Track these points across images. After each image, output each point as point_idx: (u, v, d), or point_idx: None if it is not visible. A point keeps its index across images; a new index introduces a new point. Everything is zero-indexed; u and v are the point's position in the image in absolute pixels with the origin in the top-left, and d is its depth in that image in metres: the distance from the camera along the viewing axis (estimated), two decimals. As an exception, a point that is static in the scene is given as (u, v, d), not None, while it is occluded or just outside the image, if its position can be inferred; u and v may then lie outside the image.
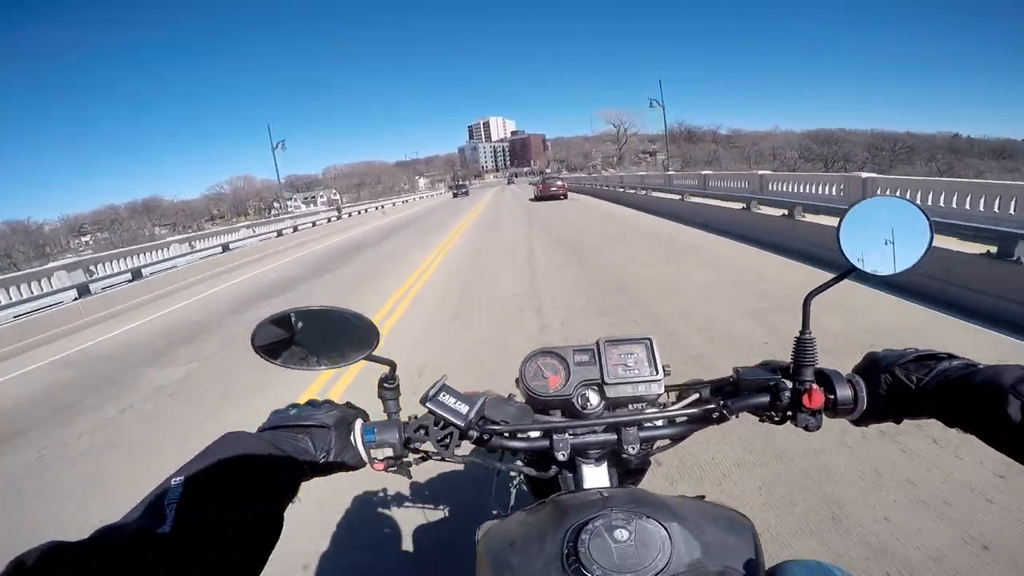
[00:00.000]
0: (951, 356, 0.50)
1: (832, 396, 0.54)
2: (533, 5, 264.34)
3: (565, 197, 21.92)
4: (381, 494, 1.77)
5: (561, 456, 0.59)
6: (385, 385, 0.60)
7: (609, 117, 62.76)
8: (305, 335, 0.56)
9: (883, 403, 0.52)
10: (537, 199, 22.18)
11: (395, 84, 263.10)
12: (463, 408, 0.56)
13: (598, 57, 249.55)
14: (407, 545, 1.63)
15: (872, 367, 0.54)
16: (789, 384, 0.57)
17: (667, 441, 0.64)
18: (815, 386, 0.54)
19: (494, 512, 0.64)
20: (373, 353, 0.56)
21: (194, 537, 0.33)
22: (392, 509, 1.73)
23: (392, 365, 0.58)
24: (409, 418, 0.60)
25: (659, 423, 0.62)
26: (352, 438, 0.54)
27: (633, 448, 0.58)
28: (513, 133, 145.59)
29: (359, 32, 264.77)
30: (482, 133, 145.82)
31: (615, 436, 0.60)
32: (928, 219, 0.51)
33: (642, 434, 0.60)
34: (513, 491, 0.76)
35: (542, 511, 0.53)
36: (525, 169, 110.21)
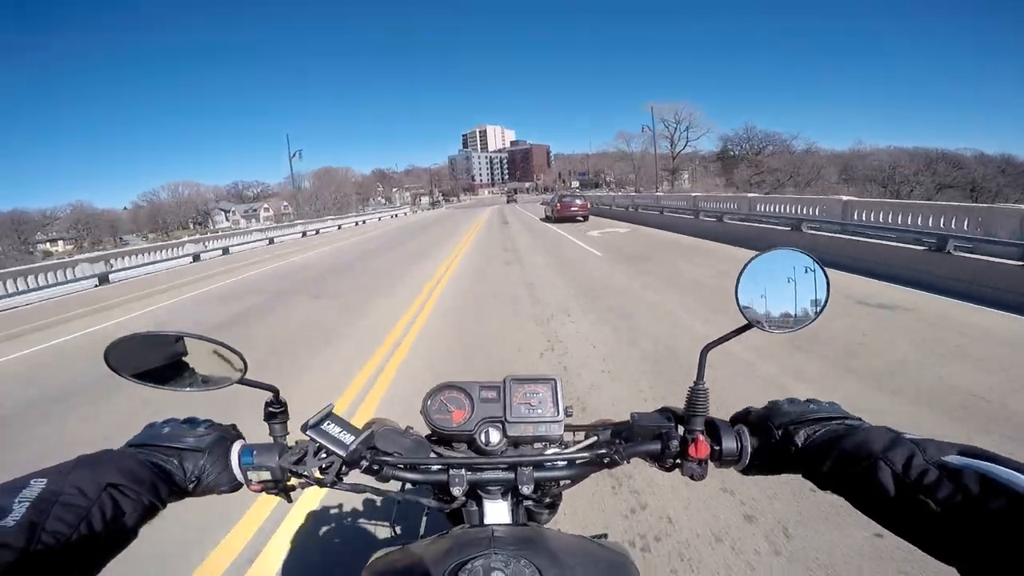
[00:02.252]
0: (845, 416, 0.55)
1: (718, 447, 0.60)
2: (539, 6, 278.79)
3: (585, 219, 20.38)
4: (318, 506, 2.08)
5: (457, 492, 0.64)
6: (271, 409, 0.65)
7: (660, 111, 46.44)
8: (172, 356, 0.62)
9: (767, 457, 0.57)
10: (554, 220, 20.88)
11: (381, 86, 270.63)
12: (347, 438, 0.62)
13: (614, 64, 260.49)
14: (322, 559, 1.88)
15: (768, 421, 0.58)
16: (679, 432, 0.63)
17: (567, 481, 0.70)
18: (701, 437, 0.60)
19: (401, 540, 0.69)
20: (247, 379, 0.62)
21: (34, 539, 0.37)
22: (322, 523, 2.01)
23: (274, 390, 0.65)
24: (296, 443, 0.64)
25: (558, 464, 0.69)
26: (229, 459, 0.59)
27: (528, 488, 0.65)
28: (513, 143, 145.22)
29: (341, 29, 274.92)
30: (478, 142, 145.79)
31: (512, 475, 0.66)
32: (825, 274, 0.57)
33: (537, 474, 0.66)
34: (424, 519, 0.76)
35: (436, 544, 0.58)
36: (527, 184, 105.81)
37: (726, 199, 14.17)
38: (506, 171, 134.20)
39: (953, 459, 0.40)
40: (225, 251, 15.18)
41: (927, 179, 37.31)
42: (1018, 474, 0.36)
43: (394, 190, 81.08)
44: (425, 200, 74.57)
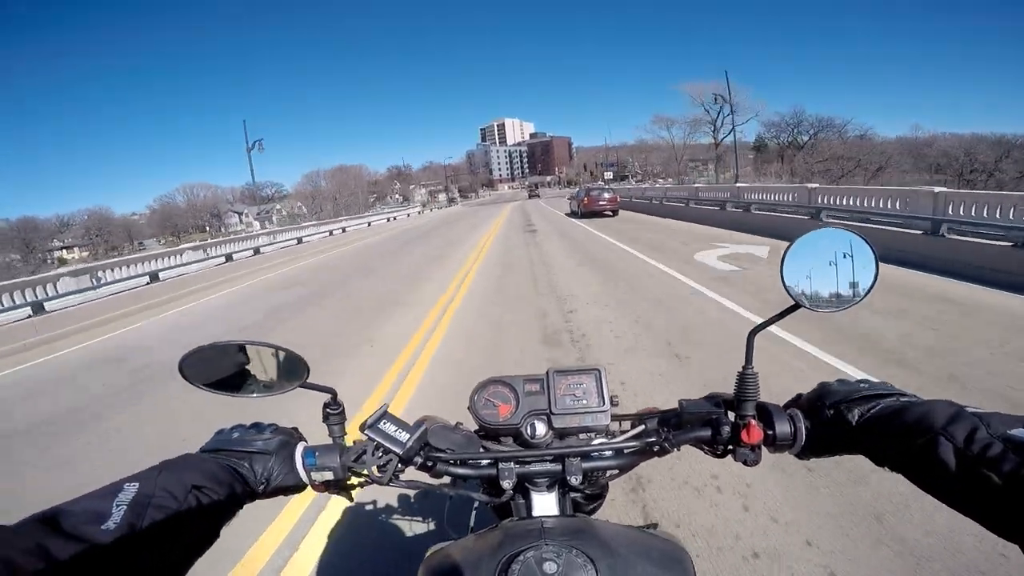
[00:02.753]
0: (900, 393, 0.55)
1: (771, 432, 0.60)
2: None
3: (615, 214, 19.23)
4: (370, 504, 2.07)
5: (507, 484, 0.67)
6: (328, 411, 0.69)
7: (698, 93, 42.99)
8: (237, 365, 0.66)
9: (823, 438, 0.58)
10: (582, 215, 19.63)
11: (397, 82, 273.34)
12: (403, 436, 0.65)
13: (636, 51, 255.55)
14: (375, 556, 1.95)
15: (819, 401, 0.59)
16: (730, 418, 0.64)
17: (616, 471, 0.72)
18: (754, 421, 0.61)
19: (452, 535, 0.71)
20: (309, 382, 0.66)
21: (134, 540, 0.40)
22: (376, 521, 2.03)
23: (332, 392, 0.68)
24: (354, 443, 0.67)
25: (605, 454, 0.71)
26: (294, 461, 0.63)
27: (576, 479, 0.67)
28: (532, 136, 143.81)
29: (353, 25, 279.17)
30: (495, 136, 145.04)
31: (560, 466, 0.68)
32: (874, 250, 0.56)
33: (585, 465, 0.68)
34: (473, 514, 0.79)
35: (487, 538, 0.61)
36: (548, 178, 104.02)
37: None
38: (526, 165, 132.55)
39: (1019, 432, 0.40)
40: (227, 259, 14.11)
41: (1010, 167, 33.29)
42: None
43: (411, 187, 79.54)
44: (443, 197, 73.55)
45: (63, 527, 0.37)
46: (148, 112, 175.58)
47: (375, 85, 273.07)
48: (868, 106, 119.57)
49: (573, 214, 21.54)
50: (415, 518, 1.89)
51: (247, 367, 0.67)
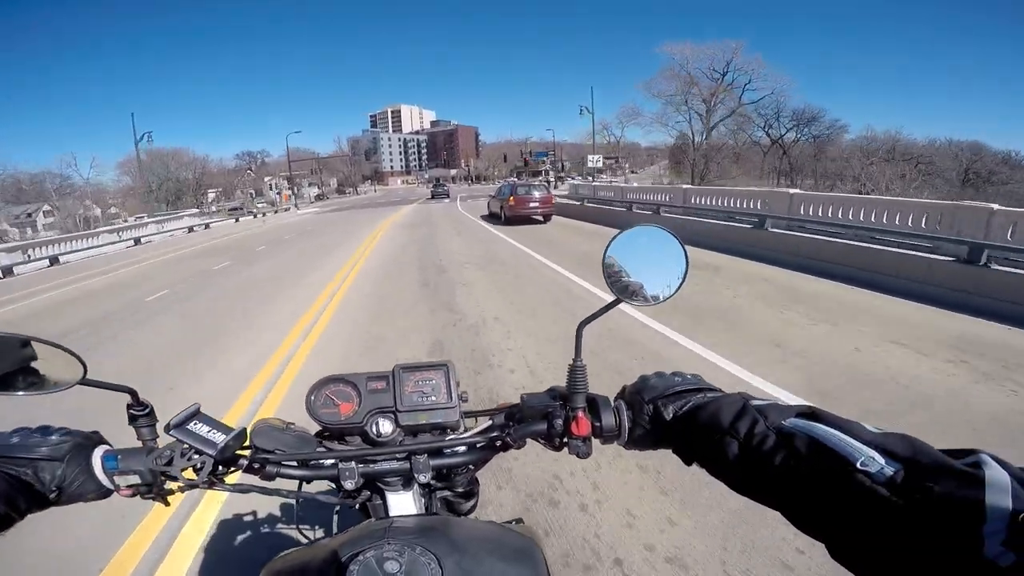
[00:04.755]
0: (708, 388, 0.62)
1: (598, 424, 0.65)
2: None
3: (546, 220, 16.26)
4: (244, 511, 2.17)
5: (349, 485, 0.69)
6: (132, 411, 0.68)
7: (686, 57, 35.24)
8: (5, 357, 0.63)
9: (642, 432, 0.63)
10: (504, 221, 16.29)
11: (267, 59, 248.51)
12: (217, 437, 0.65)
13: (556, 35, 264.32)
14: (221, 566, 2.07)
15: (639, 395, 0.64)
16: (563, 412, 0.68)
17: (471, 467, 0.78)
18: (582, 414, 0.66)
19: (304, 540, 0.74)
20: (91, 379, 0.64)
21: None
22: (221, 533, 2.21)
23: (131, 391, 0.66)
24: (166, 446, 0.66)
25: (458, 450, 0.74)
26: (91, 466, 0.62)
27: (425, 476, 0.71)
28: (433, 123, 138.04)
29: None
30: (389, 124, 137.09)
31: (408, 464, 0.71)
32: (683, 247, 0.64)
33: (434, 461, 0.72)
34: (335, 518, 0.81)
35: (333, 541, 0.62)
36: (452, 172, 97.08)
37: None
38: (425, 156, 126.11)
39: (788, 423, 0.46)
40: None
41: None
42: (839, 433, 0.42)
43: (266, 179, 67.48)
44: (314, 191, 64.65)
45: None
46: None
47: (235, 58, 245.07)
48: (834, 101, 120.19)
49: (493, 218, 18.14)
50: (270, 527, 1.98)
51: (23, 361, 0.64)
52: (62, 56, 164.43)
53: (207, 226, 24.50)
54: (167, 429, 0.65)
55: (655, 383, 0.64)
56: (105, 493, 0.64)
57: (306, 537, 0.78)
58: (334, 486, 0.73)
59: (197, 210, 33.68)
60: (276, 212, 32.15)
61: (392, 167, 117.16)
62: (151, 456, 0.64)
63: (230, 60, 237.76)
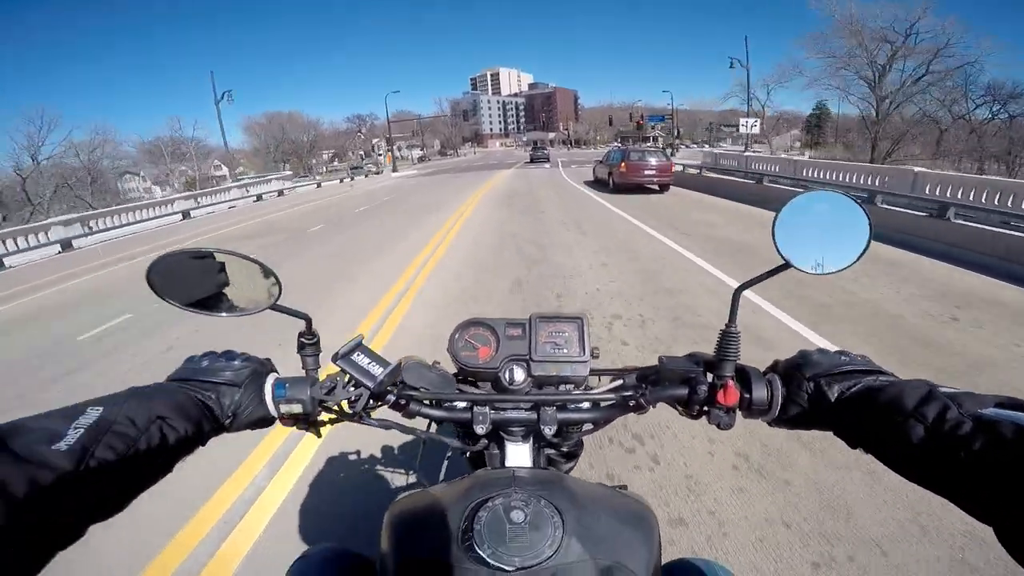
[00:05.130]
0: (879, 371, 0.58)
1: (748, 395, 0.63)
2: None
3: (663, 189, 14.54)
4: (341, 450, 2.40)
5: (480, 429, 0.70)
6: (303, 340, 0.69)
7: (847, 11, 27.15)
8: (209, 277, 0.65)
9: (798, 410, 0.60)
10: (613, 189, 14.79)
11: (373, 24, 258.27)
12: (376, 369, 0.67)
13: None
14: (339, 503, 2.14)
15: (798, 371, 0.61)
16: (708, 379, 0.66)
17: (590, 426, 0.76)
18: (731, 383, 0.63)
19: (424, 482, 0.75)
20: (280, 304, 0.66)
21: (83, 465, 0.41)
22: (346, 467, 2.33)
23: (307, 319, 0.68)
24: (327, 376, 0.69)
25: (582, 405, 0.73)
26: (263, 393, 0.63)
27: (550, 429, 0.70)
28: (531, 86, 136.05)
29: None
30: (488, 87, 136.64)
31: (535, 415, 0.71)
32: (868, 217, 0.60)
33: (561, 415, 0.71)
34: (445, 463, 0.85)
35: (456, 485, 0.63)
36: (551, 135, 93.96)
37: None
38: (523, 119, 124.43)
39: (989, 411, 0.43)
40: None
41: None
42: None
43: (374, 141, 68.93)
44: (416, 154, 66.06)
45: (13, 445, 0.39)
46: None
47: (341, 26, 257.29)
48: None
49: (598, 184, 16.71)
50: (386, 467, 2.14)
51: (218, 281, 0.66)
52: (173, 25, 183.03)
53: (278, 193, 23.44)
54: (334, 359, 0.67)
55: (818, 359, 0.61)
56: (269, 421, 0.65)
57: (419, 482, 0.79)
58: (456, 430, 0.77)
59: (291, 172, 35.29)
60: (366, 176, 29.98)
61: (491, 129, 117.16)
62: (316, 386, 0.66)
63: (342, 29, 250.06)
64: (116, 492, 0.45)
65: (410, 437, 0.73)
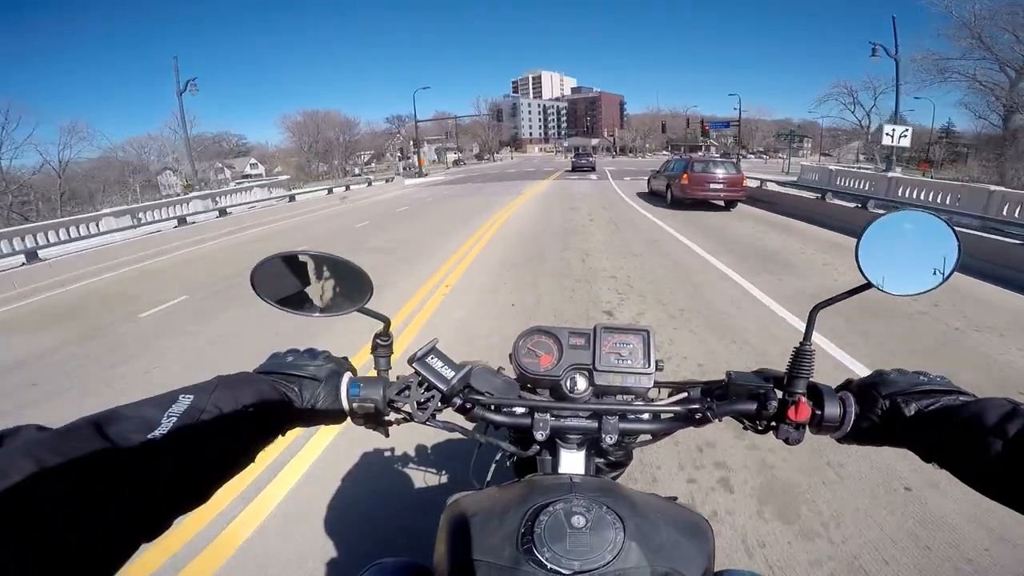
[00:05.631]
0: (959, 391, 0.57)
1: (819, 412, 0.63)
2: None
3: (730, 206, 12.88)
4: (389, 450, 2.41)
5: (540, 436, 0.71)
6: (379, 341, 0.72)
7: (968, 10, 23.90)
8: (303, 279, 0.68)
9: (871, 427, 0.61)
10: (672, 203, 13.16)
11: (413, 26, 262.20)
12: (449, 373, 0.69)
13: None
14: (390, 503, 2.18)
15: (873, 389, 0.61)
16: (779, 394, 0.67)
17: (648, 436, 0.77)
18: (804, 399, 0.64)
19: (475, 485, 0.78)
20: (366, 307, 0.68)
21: (178, 452, 0.43)
22: (394, 466, 2.33)
23: (386, 321, 0.70)
24: (397, 378, 0.72)
25: (643, 416, 0.74)
26: (339, 391, 0.67)
27: (611, 438, 0.70)
28: (574, 90, 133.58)
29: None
30: (530, 90, 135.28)
31: (596, 424, 0.72)
32: (957, 239, 0.59)
33: (622, 425, 0.72)
34: (493, 466, 0.86)
35: (513, 489, 0.64)
36: (594, 142, 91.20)
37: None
38: (564, 124, 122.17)
39: None
40: None
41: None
42: None
43: (410, 142, 68.96)
44: (451, 157, 64.80)
45: (110, 433, 0.40)
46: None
47: (378, 27, 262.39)
48: None
49: (654, 197, 14.98)
50: (429, 468, 2.14)
51: (308, 282, 0.68)
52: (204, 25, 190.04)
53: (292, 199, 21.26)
54: (411, 361, 0.69)
55: (895, 379, 0.61)
56: (342, 417, 0.68)
57: (475, 482, 0.82)
58: (510, 435, 0.78)
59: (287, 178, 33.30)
60: (368, 185, 25.13)
61: (531, 134, 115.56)
62: (390, 387, 0.69)
63: (384, 29, 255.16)
64: (201, 482, 0.45)
65: (446, 437, 0.75)
